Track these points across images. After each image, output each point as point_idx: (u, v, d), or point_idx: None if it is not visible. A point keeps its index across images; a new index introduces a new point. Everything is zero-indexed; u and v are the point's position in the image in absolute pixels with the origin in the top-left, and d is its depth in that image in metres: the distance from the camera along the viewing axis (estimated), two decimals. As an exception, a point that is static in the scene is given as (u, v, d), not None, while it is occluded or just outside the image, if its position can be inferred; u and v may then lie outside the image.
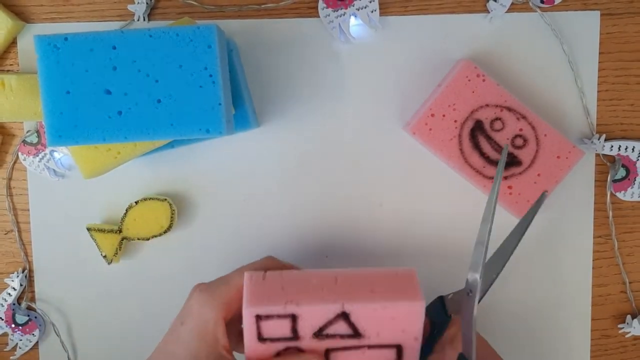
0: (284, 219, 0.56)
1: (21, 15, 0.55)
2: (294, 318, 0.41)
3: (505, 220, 0.55)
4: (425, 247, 0.57)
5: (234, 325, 0.45)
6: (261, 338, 0.42)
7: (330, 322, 0.42)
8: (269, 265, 0.47)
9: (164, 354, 0.42)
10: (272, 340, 0.42)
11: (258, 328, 0.42)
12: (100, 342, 0.58)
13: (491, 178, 0.51)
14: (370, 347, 0.43)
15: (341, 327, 0.42)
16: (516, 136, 0.51)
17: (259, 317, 0.41)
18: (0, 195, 0.57)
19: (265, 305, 0.41)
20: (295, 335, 0.42)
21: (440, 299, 0.50)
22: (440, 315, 0.49)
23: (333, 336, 0.42)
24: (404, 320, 0.42)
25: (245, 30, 0.55)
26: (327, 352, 0.43)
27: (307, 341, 0.42)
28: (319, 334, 0.42)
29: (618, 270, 0.57)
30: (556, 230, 0.56)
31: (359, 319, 0.42)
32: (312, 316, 0.42)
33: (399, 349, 0.43)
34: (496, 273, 0.48)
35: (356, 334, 0.42)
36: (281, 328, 0.42)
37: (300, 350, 0.43)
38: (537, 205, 0.48)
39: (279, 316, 0.41)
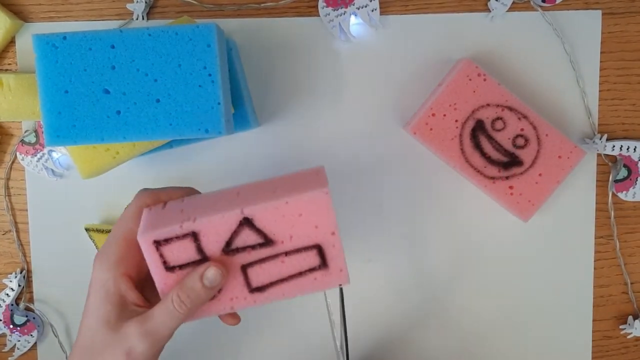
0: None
1: (20, 14, 0.55)
2: (195, 236, 0.39)
3: (508, 221, 0.55)
4: (426, 247, 0.56)
5: (150, 282, 0.43)
6: (168, 267, 0.40)
7: (235, 233, 0.39)
8: (147, 199, 0.43)
9: (83, 331, 0.41)
10: (181, 267, 0.40)
11: (162, 257, 0.39)
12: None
13: (492, 178, 0.51)
14: (287, 253, 0.40)
15: (249, 237, 0.39)
16: (517, 136, 0.51)
17: (157, 244, 0.39)
18: (-2, 195, 0.57)
19: (159, 229, 0.39)
20: (203, 256, 0.40)
21: None
22: None
23: (243, 249, 0.40)
24: (313, 214, 0.39)
25: (244, 29, 0.55)
26: (245, 269, 0.40)
27: (217, 260, 0.40)
28: (228, 249, 0.40)
29: (620, 271, 0.57)
30: (557, 230, 0.56)
31: (265, 223, 0.39)
32: (213, 230, 0.39)
33: (319, 250, 0.40)
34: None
35: (267, 241, 0.40)
36: (185, 251, 0.39)
37: None
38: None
39: (178, 237, 0.39)
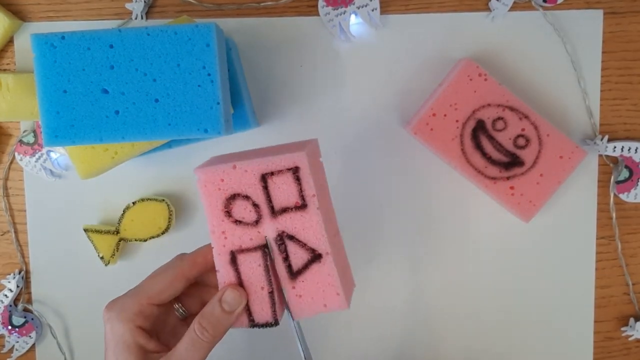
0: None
1: (18, 14, 0.55)
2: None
3: (508, 221, 0.55)
4: (426, 247, 0.56)
5: (162, 323, 0.43)
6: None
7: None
8: (178, 264, 0.44)
9: None
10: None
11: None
12: (98, 344, 0.57)
13: (493, 178, 0.51)
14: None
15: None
16: (518, 136, 0.51)
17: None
18: (-4, 195, 0.57)
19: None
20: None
21: None
22: None
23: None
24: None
25: (244, 28, 0.54)
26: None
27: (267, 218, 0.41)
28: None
29: (621, 271, 0.56)
30: (559, 231, 0.56)
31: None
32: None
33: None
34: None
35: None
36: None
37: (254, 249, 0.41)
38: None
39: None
